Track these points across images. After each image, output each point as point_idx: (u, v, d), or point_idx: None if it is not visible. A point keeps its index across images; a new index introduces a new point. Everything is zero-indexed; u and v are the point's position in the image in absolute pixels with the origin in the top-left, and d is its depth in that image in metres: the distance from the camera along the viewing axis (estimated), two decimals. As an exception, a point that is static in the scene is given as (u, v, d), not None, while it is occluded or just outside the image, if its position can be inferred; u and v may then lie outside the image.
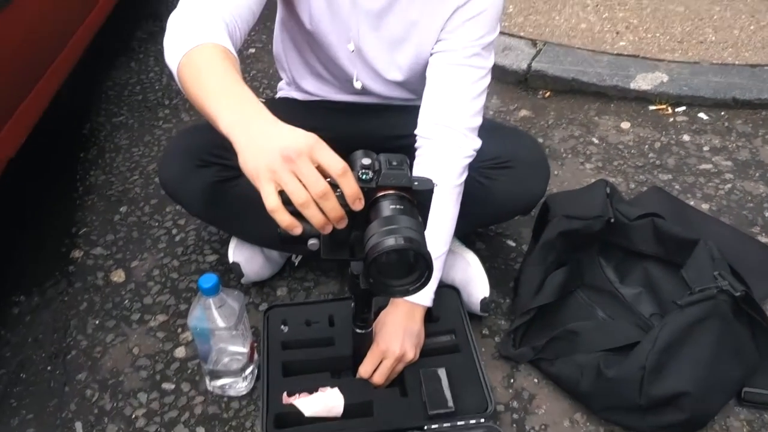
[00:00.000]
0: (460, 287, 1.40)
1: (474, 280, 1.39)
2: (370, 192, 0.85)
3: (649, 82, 2.21)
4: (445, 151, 1.26)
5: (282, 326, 1.33)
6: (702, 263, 1.27)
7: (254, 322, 1.39)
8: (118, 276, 1.55)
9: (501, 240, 1.65)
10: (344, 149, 0.84)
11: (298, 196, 0.76)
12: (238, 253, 1.45)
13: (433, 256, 1.24)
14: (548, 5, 2.65)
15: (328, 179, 0.77)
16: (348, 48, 1.30)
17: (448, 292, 1.39)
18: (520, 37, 2.42)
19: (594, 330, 1.28)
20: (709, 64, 2.30)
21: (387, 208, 0.84)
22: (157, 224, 1.69)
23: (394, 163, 0.88)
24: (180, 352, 1.37)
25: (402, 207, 0.84)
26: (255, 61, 2.43)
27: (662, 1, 2.70)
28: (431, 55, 1.28)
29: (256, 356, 1.28)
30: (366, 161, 0.85)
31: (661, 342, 1.14)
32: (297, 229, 0.80)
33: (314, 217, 0.78)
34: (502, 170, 1.33)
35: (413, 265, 0.84)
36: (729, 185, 1.84)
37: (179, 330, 1.41)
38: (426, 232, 1.26)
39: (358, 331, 1.15)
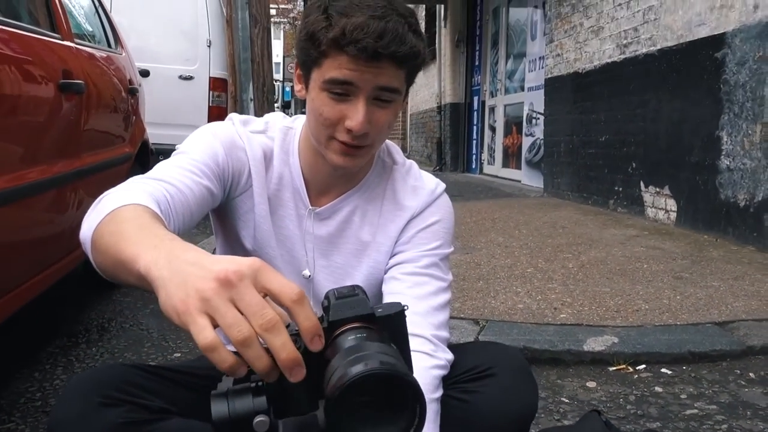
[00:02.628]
0: None
1: None
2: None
3: (601, 344, 2.13)
4: (414, 362, 1.05)
5: None
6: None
7: None
8: None
9: (490, 505, 1.30)
10: None
11: (238, 331, 0.56)
12: None
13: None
14: (481, 293, 2.69)
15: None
16: (303, 275, 1.17)
17: None
18: (461, 318, 2.37)
19: None
20: (653, 326, 2.28)
21: (347, 341, 0.62)
22: None
23: (345, 293, 0.68)
24: None
25: (367, 335, 0.62)
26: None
27: (587, 284, 2.81)
28: (386, 272, 1.18)
29: None
30: None
31: None
32: (242, 370, 0.57)
33: (258, 360, 0.56)
34: (484, 380, 1.11)
35: (398, 402, 0.58)
36: (725, 425, 1.63)
37: None
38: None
39: None
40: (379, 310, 0.65)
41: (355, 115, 0.98)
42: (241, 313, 0.56)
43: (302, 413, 0.62)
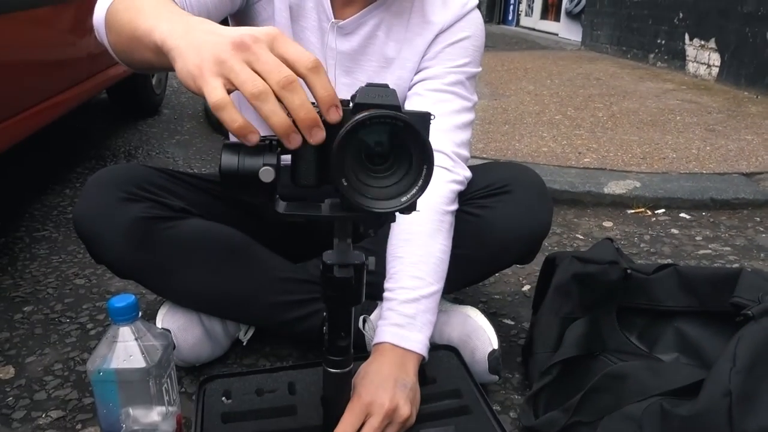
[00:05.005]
0: (460, 345, 1.09)
1: (477, 331, 1.09)
2: (345, 116, 0.62)
3: (622, 187, 2.11)
4: (431, 173, 1.05)
5: (223, 398, 0.96)
6: (755, 283, 1.02)
7: (186, 412, 1.02)
8: (5, 373, 1.16)
9: (498, 320, 1.36)
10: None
11: (253, 85, 0.55)
12: (170, 319, 1.11)
13: (423, 294, 0.99)
14: (506, 136, 2.65)
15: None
16: None
17: (444, 353, 1.07)
18: (483, 158, 2.35)
19: (645, 370, 0.97)
20: (678, 173, 2.25)
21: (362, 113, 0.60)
22: (68, 321, 1.34)
23: (377, 84, 0.66)
24: (77, 453, 0.97)
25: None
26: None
27: (615, 132, 2.75)
28: (409, 89, 1.14)
29: (184, 437, 0.90)
30: None
31: (744, 359, 0.85)
32: (253, 135, 0.57)
33: (275, 115, 0.55)
34: (499, 196, 1.12)
35: (404, 164, 0.58)
36: (737, 264, 1.65)
37: (78, 426, 1.02)
38: (414, 266, 1.02)
39: (332, 370, 0.82)
40: (405, 110, 0.64)
41: None
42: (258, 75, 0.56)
43: (306, 198, 0.63)
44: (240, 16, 1.11)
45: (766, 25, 3.65)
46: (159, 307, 1.15)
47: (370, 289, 0.79)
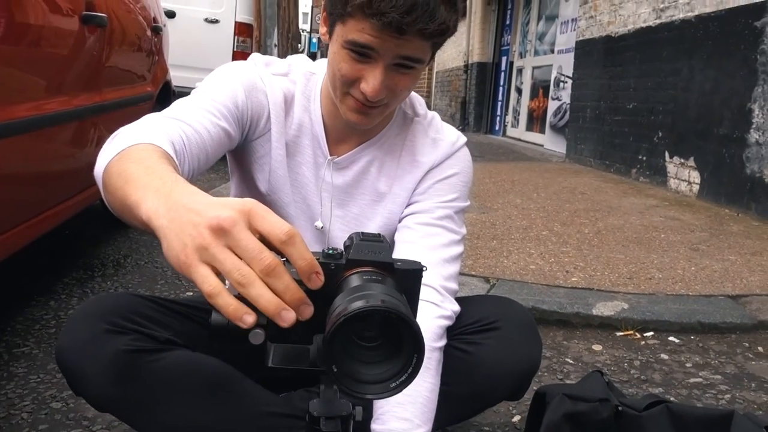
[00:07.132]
0: (449, 490, 1.05)
1: (466, 476, 1.05)
2: (337, 270, 0.63)
3: (610, 309, 2.12)
4: (420, 311, 1.06)
5: None
6: (747, 428, 1.01)
7: None
8: None
9: (486, 455, 1.32)
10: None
11: (238, 274, 0.55)
12: (147, 457, 1.07)
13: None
14: (494, 252, 2.68)
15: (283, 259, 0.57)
16: (315, 226, 1.17)
17: (432, 499, 1.03)
18: (472, 275, 2.37)
19: None
20: (665, 294, 2.27)
21: (357, 280, 0.62)
22: (41, 450, 1.29)
23: (370, 237, 0.68)
24: None
25: (378, 278, 0.62)
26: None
27: (602, 250, 2.79)
28: (400, 221, 1.17)
29: None
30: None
31: None
32: (248, 317, 0.56)
33: (262, 297, 0.55)
34: (488, 333, 1.11)
35: (394, 345, 0.58)
36: (728, 395, 1.63)
37: None
38: (401, 407, 1.00)
39: None
40: (399, 263, 0.65)
41: (372, 80, 0.95)
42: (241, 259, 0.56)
43: (296, 342, 0.63)
44: (238, 152, 1.15)
45: (742, 146, 3.81)
46: (137, 442, 1.11)
47: (358, 424, 0.77)
